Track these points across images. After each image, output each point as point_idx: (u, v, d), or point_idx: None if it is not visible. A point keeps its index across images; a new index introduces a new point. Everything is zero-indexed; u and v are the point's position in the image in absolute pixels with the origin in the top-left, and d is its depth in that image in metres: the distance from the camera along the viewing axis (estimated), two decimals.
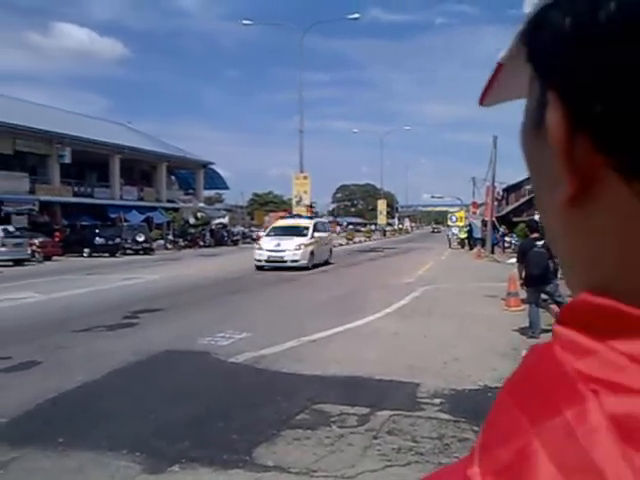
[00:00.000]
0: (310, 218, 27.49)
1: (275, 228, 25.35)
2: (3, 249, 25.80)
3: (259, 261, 22.50)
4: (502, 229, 39.29)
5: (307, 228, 24.15)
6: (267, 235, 24.70)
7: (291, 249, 22.32)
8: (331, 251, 27.13)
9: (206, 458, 4.28)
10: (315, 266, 22.83)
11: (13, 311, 12.12)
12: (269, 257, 22.35)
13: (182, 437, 4.74)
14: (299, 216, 29.13)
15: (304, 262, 22.22)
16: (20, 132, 36.10)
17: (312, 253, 23.05)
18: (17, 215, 33.39)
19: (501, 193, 53.30)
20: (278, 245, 22.51)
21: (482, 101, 0.42)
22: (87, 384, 6.40)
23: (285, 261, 22.00)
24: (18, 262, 26.74)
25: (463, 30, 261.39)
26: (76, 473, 4.09)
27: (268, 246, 22.85)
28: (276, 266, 21.78)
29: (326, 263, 24.95)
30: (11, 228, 28.46)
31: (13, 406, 5.58)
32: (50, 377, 6.68)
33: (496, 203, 41.81)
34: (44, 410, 5.56)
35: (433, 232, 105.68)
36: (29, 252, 27.95)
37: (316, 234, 24.08)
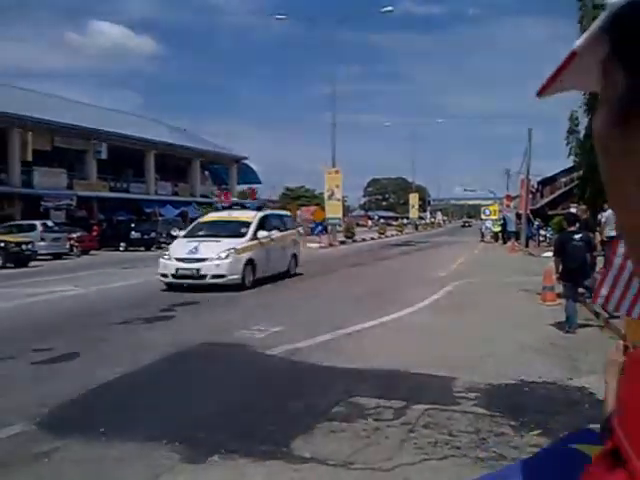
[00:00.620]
0: (259, 208, 18.81)
1: (200, 225, 17.10)
2: (43, 243, 26.37)
3: (164, 276, 14.53)
4: (537, 222, 38.72)
5: (247, 224, 15.84)
6: (185, 236, 16.38)
7: (213, 257, 14.20)
8: (296, 257, 18.32)
9: (244, 449, 4.35)
10: (260, 282, 15.08)
11: (53, 304, 12.41)
12: (178, 270, 14.26)
13: (220, 428, 4.82)
14: (241, 206, 20.36)
15: (234, 277, 14.21)
16: (58, 129, 36.82)
17: (251, 263, 14.85)
18: (56, 210, 34.11)
19: (536, 186, 52.48)
20: (194, 251, 14.46)
21: (542, 91, 0.41)
22: (126, 375, 6.53)
23: (203, 276, 14.09)
24: (57, 256, 27.34)
25: (496, 21, 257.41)
26: (118, 462, 4.19)
27: (179, 253, 14.64)
28: (191, 284, 14.13)
29: (286, 275, 17.03)
30: (50, 223, 29.10)
31: (56, 396, 5.73)
32: (91, 368, 6.84)
33: (530, 196, 41.19)
34: (86, 400, 5.70)
35: (464, 226, 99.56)
36: (67, 246, 28.56)
37: (263, 233, 15.72)
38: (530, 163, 35.21)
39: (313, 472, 3.98)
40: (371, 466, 4.04)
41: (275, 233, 16.81)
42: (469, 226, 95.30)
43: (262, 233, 15.70)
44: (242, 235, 15.29)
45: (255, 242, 15.36)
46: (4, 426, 4.89)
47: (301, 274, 18.12)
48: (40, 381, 6.34)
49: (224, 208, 20.20)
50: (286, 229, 18.25)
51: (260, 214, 16.99)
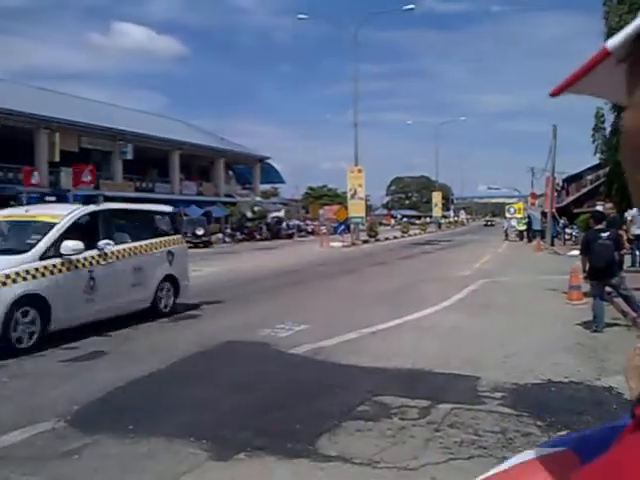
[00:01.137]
0: (89, 201, 12.61)
1: None
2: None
3: None
4: (563, 220, 38.27)
5: (47, 230, 8.85)
6: None
7: None
8: (175, 282, 11.32)
9: (270, 447, 4.38)
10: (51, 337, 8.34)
11: None
12: None
13: (246, 426, 4.86)
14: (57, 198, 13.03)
15: None
16: (85, 130, 37.35)
17: (33, 304, 8.07)
18: None
19: (561, 183, 51.88)
20: None
21: (558, 92, 0.41)
22: (153, 373, 6.61)
23: None
24: None
25: (520, 18, 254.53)
26: (147, 459, 4.25)
27: None
28: None
29: (152, 313, 10.38)
30: None
31: (84, 394, 5.83)
32: (118, 366, 6.94)
33: (556, 194, 40.72)
34: (114, 398, 5.79)
35: (486, 225, 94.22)
36: None
37: (73, 245, 8.70)
38: (555, 160, 34.80)
39: (339, 471, 4.00)
40: (397, 465, 4.04)
41: (119, 246, 9.88)
42: (492, 225, 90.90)
43: (71, 245, 8.69)
44: (25, 250, 8.43)
45: (52, 262, 8.52)
46: (35, 423, 4.99)
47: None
48: (69, 379, 6.45)
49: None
50: (156, 234, 11.20)
51: (76, 212, 9.49)
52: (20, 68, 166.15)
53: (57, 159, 34.89)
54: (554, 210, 35.90)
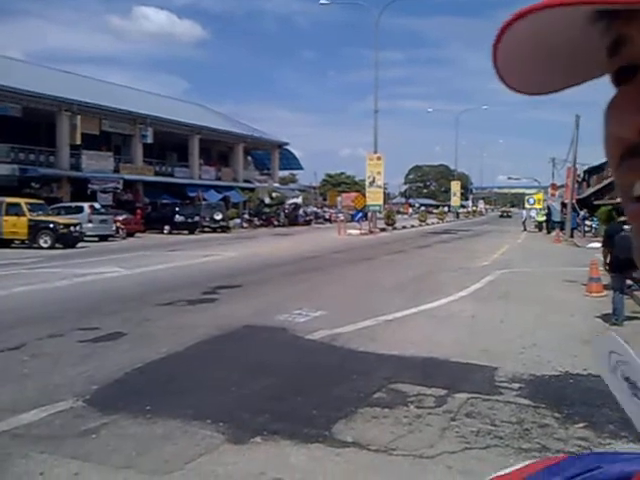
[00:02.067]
0: None
1: None
2: (90, 225, 26.99)
3: None
4: (583, 212, 37.87)
5: None
6: None
7: None
8: None
9: (287, 431, 4.40)
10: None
11: (99, 284, 12.72)
12: None
13: (263, 410, 4.88)
14: None
15: None
16: (106, 113, 37.51)
17: None
18: (102, 193, 34.83)
19: (582, 175, 51.22)
20: None
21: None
22: (171, 356, 6.67)
23: None
24: (103, 238, 27.97)
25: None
26: (164, 440, 4.28)
27: None
28: None
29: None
30: (97, 205, 29.75)
31: (103, 374, 5.89)
32: (136, 348, 7.00)
33: (576, 185, 40.25)
34: (132, 379, 5.84)
35: (502, 216, 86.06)
36: (114, 228, 29.20)
37: None
38: (577, 151, 34.36)
39: (355, 456, 4.00)
40: (413, 453, 4.04)
41: None
42: (508, 216, 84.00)
43: None
44: None
45: None
46: (54, 402, 5.05)
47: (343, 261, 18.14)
48: (87, 359, 6.51)
49: None
50: None
51: None
52: (42, 51, 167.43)
53: (78, 142, 35.11)
54: (574, 201, 35.50)
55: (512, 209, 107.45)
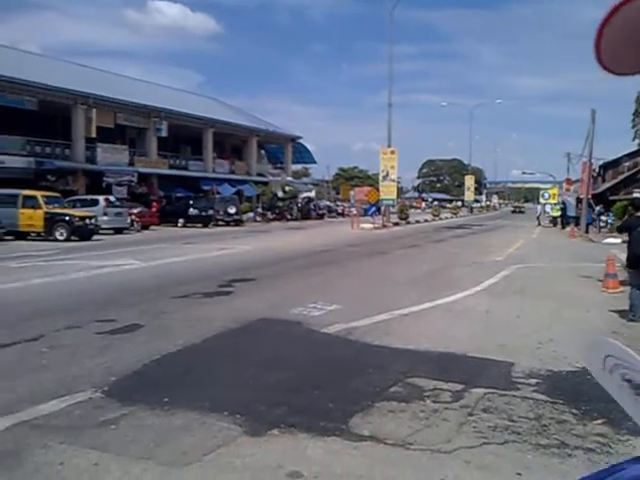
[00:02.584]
0: None
1: None
2: (105, 218, 27.17)
3: None
4: (599, 208, 37.55)
5: None
6: None
7: None
8: None
9: (304, 424, 4.41)
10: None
11: (115, 277, 12.81)
12: None
13: (279, 402, 4.89)
14: None
15: None
16: (120, 106, 37.68)
17: None
18: (117, 186, 35.04)
19: (597, 170, 50.77)
20: None
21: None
22: (188, 348, 6.70)
23: None
24: (118, 231, 28.15)
25: None
26: (183, 431, 4.31)
27: None
28: None
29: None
30: (112, 198, 29.94)
31: (121, 366, 5.93)
32: (153, 340, 7.04)
33: (591, 180, 39.90)
34: (149, 370, 5.88)
35: (514, 212, 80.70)
36: (128, 221, 29.37)
37: None
38: (592, 146, 34.02)
39: (372, 450, 4.01)
40: (430, 448, 4.03)
41: None
42: (521, 212, 78.89)
43: None
44: None
45: None
46: (73, 393, 5.10)
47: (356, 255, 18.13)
48: (105, 351, 6.56)
49: None
50: None
51: None
52: (58, 44, 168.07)
53: (94, 135, 35.31)
54: (590, 197, 35.21)
55: (525, 204, 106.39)
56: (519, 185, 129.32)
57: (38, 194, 24.79)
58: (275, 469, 3.72)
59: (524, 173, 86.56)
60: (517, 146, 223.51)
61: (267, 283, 12.04)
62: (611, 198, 42.39)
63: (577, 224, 33.61)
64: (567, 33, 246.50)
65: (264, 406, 4.82)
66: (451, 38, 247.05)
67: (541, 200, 50.16)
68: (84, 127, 35.01)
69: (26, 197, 24.35)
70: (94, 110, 35.21)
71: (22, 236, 23.78)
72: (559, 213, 41.23)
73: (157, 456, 3.89)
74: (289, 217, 45.07)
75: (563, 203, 41.59)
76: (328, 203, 59.53)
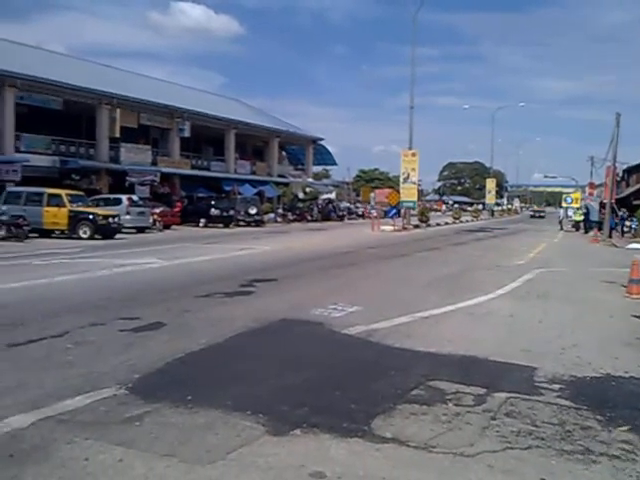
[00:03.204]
0: None
1: None
2: (128, 217, 27.45)
3: None
4: (622, 212, 37.09)
5: None
6: None
7: None
8: None
9: (326, 425, 4.42)
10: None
11: (138, 275, 12.94)
12: None
13: (301, 403, 4.91)
14: None
15: None
16: (144, 106, 38.05)
17: None
18: (140, 185, 35.37)
19: (621, 174, 50.17)
20: None
21: None
22: (211, 347, 6.75)
23: None
24: (140, 230, 28.41)
25: (583, 1, 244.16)
26: (206, 429, 4.34)
27: None
28: None
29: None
30: (135, 197, 30.21)
31: (145, 363, 5.99)
32: (176, 338, 7.10)
33: (615, 184, 39.43)
34: (173, 369, 5.93)
35: (533, 216, 76.22)
36: (151, 221, 29.62)
37: None
38: (617, 150, 33.61)
39: (395, 452, 4.00)
40: (453, 451, 4.02)
41: None
42: (540, 217, 74.43)
43: None
44: None
45: None
46: (98, 389, 5.16)
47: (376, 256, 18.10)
48: (130, 348, 6.63)
49: None
50: None
51: None
52: (83, 45, 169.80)
53: (117, 135, 35.69)
54: (613, 201, 34.79)
55: (547, 208, 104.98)
56: (541, 189, 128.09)
57: (63, 193, 25.12)
58: (298, 469, 3.73)
59: (546, 177, 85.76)
60: (539, 149, 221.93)
61: (288, 283, 12.08)
62: (635, 203, 41.80)
63: (600, 229, 33.26)
64: (591, 36, 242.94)
65: (286, 406, 4.83)
66: (473, 41, 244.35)
67: (564, 204, 49.73)
68: (108, 127, 35.40)
69: (51, 195, 24.68)
70: (118, 110, 35.59)
71: (46, 234, 24.12)
72: (582, 217, 40.85)
73: (181, 453, 3.92)
74: (309, 218, 45.15)
75: (586, 207, 41.21)
76: (348, 205, 59.52)
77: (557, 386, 5.61)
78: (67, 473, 3.64)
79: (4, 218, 22.20)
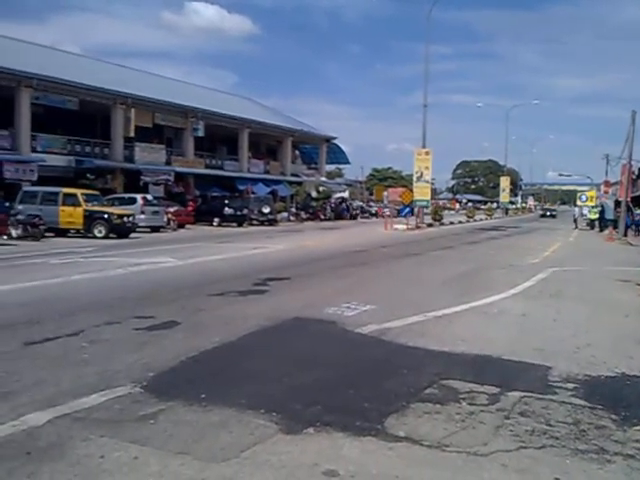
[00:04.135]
0: None
1: None
2: (142, 216, 27.62)
3: None
4: (638, 211, 36.73)
5: None
6: None
7: None
8: None
9: (339, 423, 4.43)
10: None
11: (153, 274, 13.02)
12: None
13: (315, 401, 4.92)
14: None
15: None
16: (159, 106, 38.24)
17: None
18: (155, 185, 35.57)
19: (637, 172, 49.72)
20: None
21: None
22: (225, 345, 6.78)
23: None
24: (155, 229, 28.57)
25: None
26: (220, 427, 4.37)
27: None
28: None
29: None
30: (150, 197, 30.39)
31: (159, 362, 6.03)
32: (190, 337, 7.14)
33: (631, 183, 39.06)
34: (187, 367, 5.96)
35: (544, 215, 73.40)
36: (165, 220, 29.77)
37: None
38: (632, 148, 33.32)
39: (408, 451, 4.00)
40: (467, 450, 4.01)
41: None
42: (552, 216, 71.09)
43: None
44: None
45: None
46: (113, 387, 5.20)
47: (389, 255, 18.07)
48: (144, 346, 6.68)
49: None
50: None
51: None
52: (97, 45, 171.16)
53: (132, 134, 35.92)
54: (629, 199, 34.49)
55: (561, 206, 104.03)
56: (556, 187, 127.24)
57: (78, 192, 25.34)
58: (311, 467, 3.75)
59: (561, 175, 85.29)
60: (554, 147, 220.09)
61: (301, 282, 12.11)
62: None
63: (615, 227, 32.98)
64: (606, 34, 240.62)
65: (299, 404, 4.85)
66: (488, 38, 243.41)
67: (578, 202, 49.35)
68: (123, 126, 35.62)
69: (66, 195, 24.90)
70: (133, 110, 35.80)
71: (62, 233, 24.35)
72: (597, 216, 40.53)
73: (195, 451, 3.95)
74: (322, 217, 45.17)
75: (601, 206, 40.88)
76: (361, 204, 59.48)
77: (571, 385, 5.58)
78: (83, 470, 3.68)
79: (20, 217, 22.44)
